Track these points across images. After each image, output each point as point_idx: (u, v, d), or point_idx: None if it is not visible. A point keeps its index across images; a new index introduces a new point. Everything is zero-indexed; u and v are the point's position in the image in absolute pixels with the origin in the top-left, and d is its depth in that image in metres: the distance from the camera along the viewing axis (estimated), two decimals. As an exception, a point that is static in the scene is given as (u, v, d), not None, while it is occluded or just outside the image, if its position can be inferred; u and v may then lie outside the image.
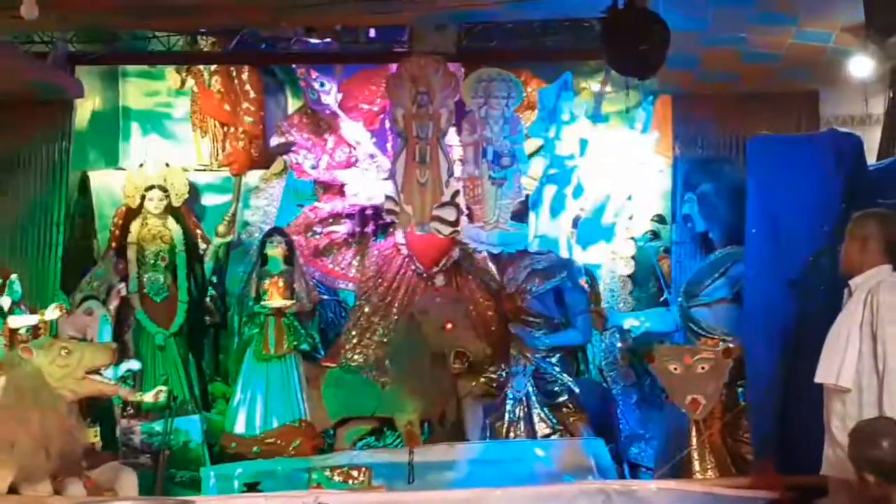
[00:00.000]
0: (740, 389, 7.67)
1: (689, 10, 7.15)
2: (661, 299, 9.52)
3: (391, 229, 9.87)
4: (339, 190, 10.02)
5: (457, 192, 9.05)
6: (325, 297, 10.12)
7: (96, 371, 7.38)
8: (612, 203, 9.50)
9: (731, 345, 7.78)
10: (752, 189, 7.33)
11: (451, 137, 9.11)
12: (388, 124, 9.56)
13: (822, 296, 6.52)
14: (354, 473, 7.94)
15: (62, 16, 7.07)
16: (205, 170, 10.88)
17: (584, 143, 9.27)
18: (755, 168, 7.36)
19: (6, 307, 8.38)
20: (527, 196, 9.31)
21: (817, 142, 7.39)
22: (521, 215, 9.39)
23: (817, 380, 5.53)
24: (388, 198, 9.20)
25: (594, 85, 9.83)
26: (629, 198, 9.60)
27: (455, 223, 9.09)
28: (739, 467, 7.56)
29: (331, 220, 10.07)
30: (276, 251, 9.43)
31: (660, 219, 9.93)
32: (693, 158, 8.99)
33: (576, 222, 9.39)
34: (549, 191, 9.12)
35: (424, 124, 8.97)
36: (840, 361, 5.39)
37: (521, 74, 9.74)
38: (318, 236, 10.11)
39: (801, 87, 8.72)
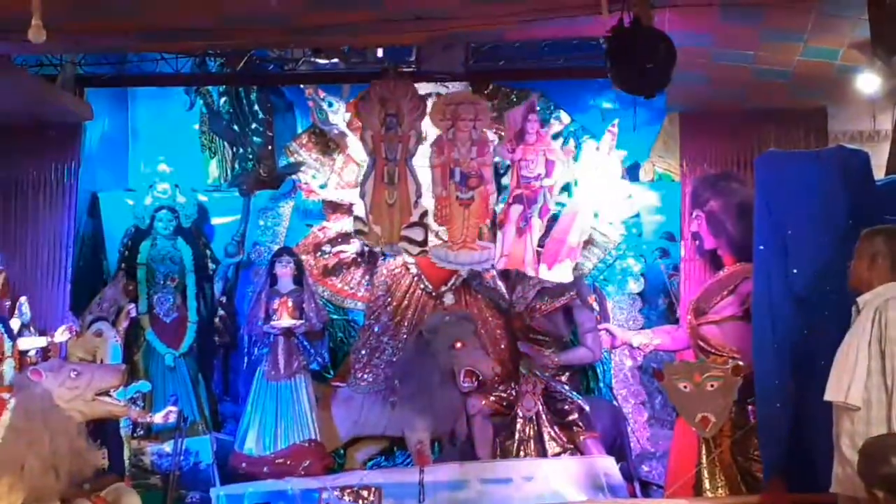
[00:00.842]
0: (750, 407, 7.66)
1: (696, 28, 7.15)
2: (674, 317, 9.49)
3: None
4: (348, 209, 10.03)
5: (425, 213, 9.16)
6: (335, 316, 10.12)
7: (106, 392, 7.40)
8: (578, 222, 9.50)
9: (740, 362, 7.77)
10: (760, 206, 7.32)
11: (420, 159, 9.16)
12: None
13: (830, 313, 6.51)
14: (364, 493, 7.94)
15: (71, 39, 7.10)
16: (214, 190, 10.90)
17: (553, 164, 9.31)
18: (763, 184, 7.36)
19: (16, 329, 8.41)
20: (494, 215, 9.34)
21: (825, 158, 7.38)
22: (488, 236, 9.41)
23: (826, 398, 5.52)
24: (356, 218, 9.27)
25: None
26: (595, 215, 9.61)
27: (423, 243, 9.20)
28: (749, 485, 7.55)
29: (339, 240, 10.08)
30: (285, 271, 9.44)
31: (668, 236, 9.93)
32: (701, 175, 8.98)
33: (542, 242, 9.41)
34: (516, 211, 9.19)
35: (393, 146, 9.06)
36: (849, 379, 5.37)
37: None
38: (327, 256, 10.12)
39: (809, 103, 8.71)
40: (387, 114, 9.05)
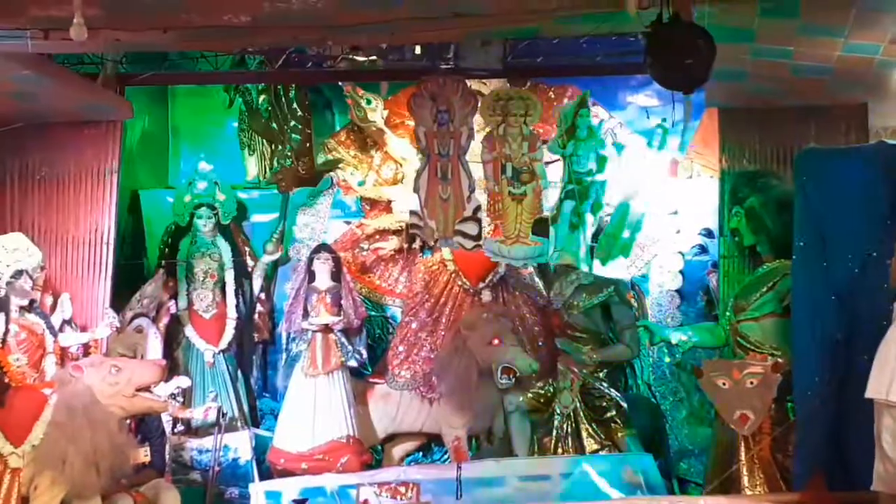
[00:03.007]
0: (789, 404, 7.62)
1: (736, 23, 7.11)
2: (713, 314, 9.45)
3: (438, 246, 9.89)
4: (386, 206, 10.06)
5: (478, 207, 9.14)
6: (373, 313, 10.16)
7: (146, 388, 7.47)
8: (630, 218, 9.47)
9: (779, 359, 7.73)
10: (799, 202, 7.29)
11: (472, 154, 9.18)
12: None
13: (871, 310, 6.46)
14: (402, 489, 7.97)
15: (112, 37, 7.15)
16: (253, 188, 10.96)
17: (603, 160, 9.28)
18: (803, 181, 7.32)
19: (57, 325, 8.49)
20: (547, 211, 9.32)
21: (866, 154, 7.34)
22: (542, 230, 9.37)
23: (868, 395, 5.49)
24: (412, 213, 9.28)
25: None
26: (642, 215, 9.59)
27: (477, 237, 9.15)
28: (789, 483, 7.50)
29: (377, 237, 10.12)
30: (323, 267, 9.47)
31: (707, 233, 9.90)
32: (740, 172, 8.93)
33: (595, 237, 9.38)
34: (568, 206, 9.16)
35: (445, 142, 9.08)
36: (890, 376, 5.35)
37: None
38: (365, 252, 10.16)
39: (850, 99, 8.63)
40: (438, 110, 9.07)
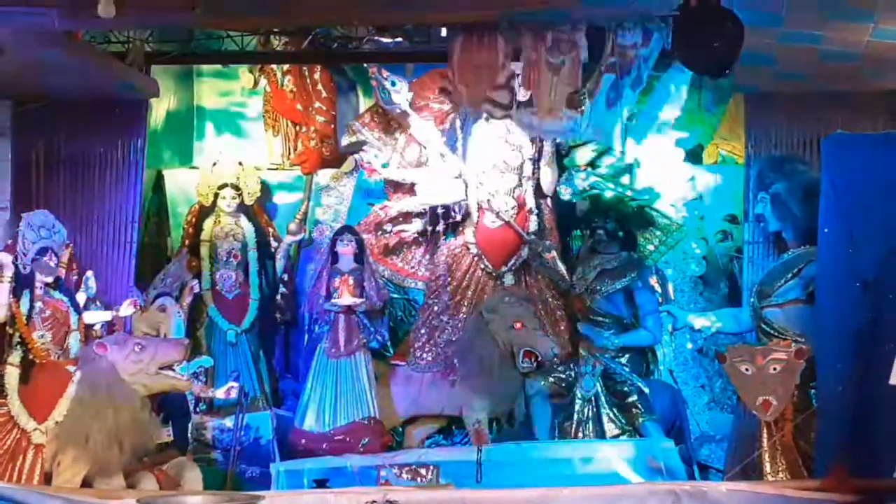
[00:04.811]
0: (812, 391, 7.60)
1: (764, 7, 7.07)
2: (737, 300, 9.42)
3: (461, 228, 9.88)
4: (410, 189, 10.04)
5: (512, 75, 8.62)
6: (395, 295, 10.16)
7: (169, 367, 7.51)
8: (671, 100, 9.29)
9: (803, 346, 7.71)
10: (826, 188, 7.25)
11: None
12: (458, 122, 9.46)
13: (895, 297, 6.44)
14: (423, 471, 7.99)
15: (139, 15, 7.17)
16: (277, 168, 10.97)
17: (650, 32, 8.79)
18: (830, 167, 7.29)
19: (81, 303, 8.53)
20: (584, 84, 8.92)
21: (892, 140, 7.29)
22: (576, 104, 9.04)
23: (892, 381, 5.47)
24: (440, 74, 9.04)
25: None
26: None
27: (507, 107, 8.75)
28: (811, 469, 7.48)
29: (401, 219, 10.09)
30: (346, 249, 9.47)
31: (732, 218, 9.86)
32: (766, 157, 8.89)
33: (631, 115, 9.17)
34: (608, 80, 8.78)
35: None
36: (915, 363, 5.32)
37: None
38: (388, 235, 10.14)
39: (879, 86, 8.58)
40: None
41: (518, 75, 8.57)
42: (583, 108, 8.54)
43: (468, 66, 8.47)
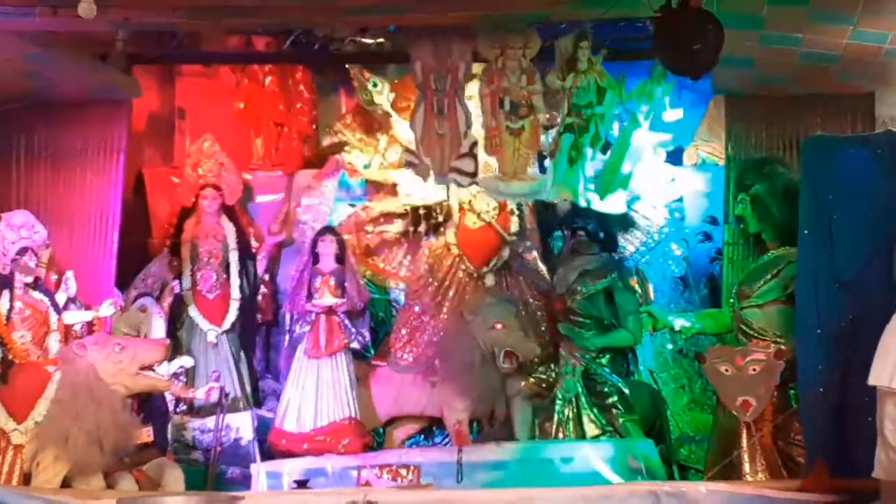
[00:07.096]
0: (792, 391, 7.64)
1: (745, 10, 7.10)
2: (717, 301, 9.45)
3: (442, 229, 9.89)
4: (391, 189, 10.05)
5: (475, 144, 8.82)
6: (376, 296, 10.16)
7: (149, 367, 7.49)
8: (632, 151, 9.36)
9: (783, 346, 7.75)
10: (805, 190, 7.28)
11: (469, 89, 8.89)
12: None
13: (875, 298, 6.47)
14: (403, 472, 7.99)
15: (120, 15, 7.16)
16: (258, 169, 10.95)
17: (603, 92, 9.01)
18: (809, 169, 7.32)
19: (61, 303, 8.50)
20: (545, 146, 9.08)
21: (872, 142, 7.32)
22: (539, 165, 9.18)
23: (870, 382, 5.49)
24: (407, 150, 9.15)
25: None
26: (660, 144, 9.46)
27: (473, 174, 8.86)
28: (790, 470, 7.53)
29: (382, 220, 10.09)
30: (327, 250, 9.47)
31: (712, 220, 9.90)
32: (746, 159, 8.93)
33: (595, 172, 9.25)
34: (567, 140, 8.92)
35: (442, 76, 8.77)
36: (893, 364, 5.35)
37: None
38: (369, 235, 10.14)
39: (857, 87, 8.63)
40: (435, 45, 8.81)
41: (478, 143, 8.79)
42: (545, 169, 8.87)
43: (432, 137, 8.65)
